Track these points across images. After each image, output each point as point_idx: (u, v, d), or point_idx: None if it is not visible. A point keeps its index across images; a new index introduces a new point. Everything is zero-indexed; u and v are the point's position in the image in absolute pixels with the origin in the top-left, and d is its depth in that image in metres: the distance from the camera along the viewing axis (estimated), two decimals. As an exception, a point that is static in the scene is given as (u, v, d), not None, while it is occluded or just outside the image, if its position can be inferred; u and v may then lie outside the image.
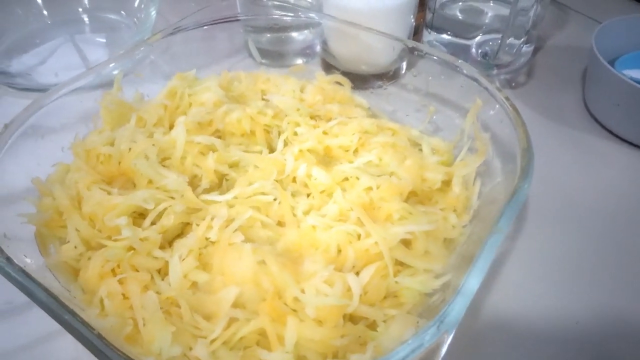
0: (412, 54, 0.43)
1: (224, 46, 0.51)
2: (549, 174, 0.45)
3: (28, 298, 0.25)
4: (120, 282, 0.29)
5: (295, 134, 0.40)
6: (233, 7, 0.50)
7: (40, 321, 0.33)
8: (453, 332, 0.23)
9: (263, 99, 0.44)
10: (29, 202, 0.33)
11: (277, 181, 0.36)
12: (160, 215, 0.33)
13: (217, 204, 0.34)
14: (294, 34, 0.54)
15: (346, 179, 0.36)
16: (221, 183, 0.38)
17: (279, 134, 0.41)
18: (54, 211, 0.33)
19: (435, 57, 0.40)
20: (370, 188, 0.35)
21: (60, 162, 0.37)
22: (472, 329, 0.34)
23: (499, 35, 0.48)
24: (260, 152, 0.39)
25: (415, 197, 0.37)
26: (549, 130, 0.50)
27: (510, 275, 0.37)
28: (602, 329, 0.34)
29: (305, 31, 0.54)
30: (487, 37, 0.54)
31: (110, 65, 0.40)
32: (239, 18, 0.49)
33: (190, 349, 0.27)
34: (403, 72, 0.49)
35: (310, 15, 0.48)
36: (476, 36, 0.54)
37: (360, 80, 0.48)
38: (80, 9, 0.58)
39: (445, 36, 0.55)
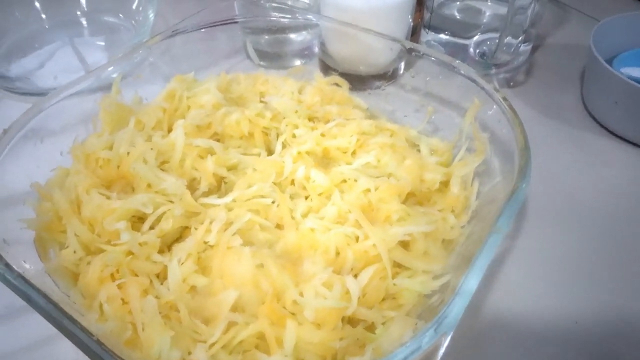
0: (409, 55, 0.43)
1: (223, 47, 0.51)
2: (548, 173, 0.45)
3: (27, 303, 0.25)
4: (120, 286, 0.29)
5: (294, 136, 0.40)
6: (232, 7, 0.50)
7: (40, 324, 0.32)
8: (451, 333, 0.23)
9: (261, 101, 0.44)
10: (28, 206, 0.33)
11: (275, 183, 0.36)
12: (159, 219, 0.33)
13: (216, 207, 0.34)
14: (292, 36, 0.54)
15: (344, 180, 0.36)
16: (220, 186, 0.38)
17: (278, 136, 0.41)
18: (53, 215, 0.33)
19: (433, 58, 0.40)
20: (368, 190, 0.35)
21: (60, 165, 0.37)
22: (472, 328, 0.34)
23: (497, 35, 0.48)
24: (259, 155, 0.39)
25: (413, 198, 0.37)
26: (548, 128, 0.50)
27: (510, 275, 0.37)
28: (602, 328, 0.34)
29: (303, 32, 0.54)
30: (485, 36, 0.53)
31: (110, 69, 0.40)
32: (236, 20, 0.49)
33: (190, 353, 0.27)
34: (401, 72, 0.49)
35: (308, 16, 0.48)
36: (474, 36, 0.54)
37: (358, 81, 0.48)
38: (79, 12, 0.58)
39: (443, 36, 0.55)
